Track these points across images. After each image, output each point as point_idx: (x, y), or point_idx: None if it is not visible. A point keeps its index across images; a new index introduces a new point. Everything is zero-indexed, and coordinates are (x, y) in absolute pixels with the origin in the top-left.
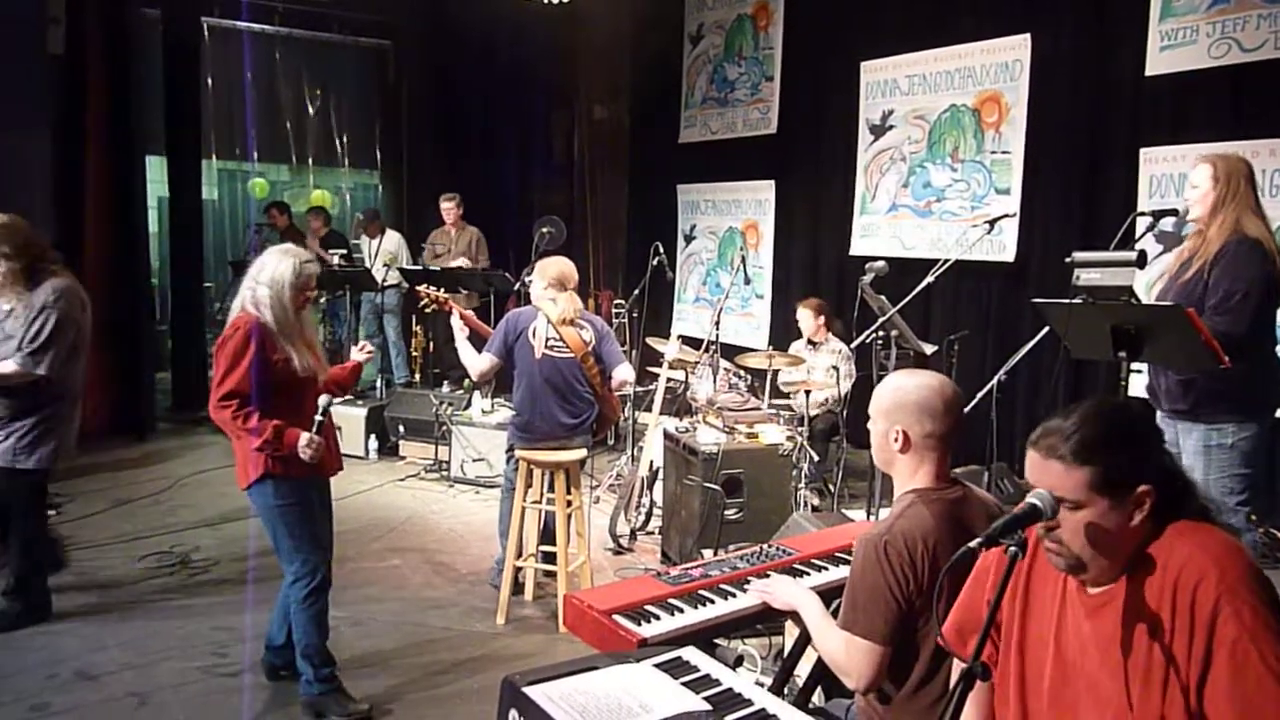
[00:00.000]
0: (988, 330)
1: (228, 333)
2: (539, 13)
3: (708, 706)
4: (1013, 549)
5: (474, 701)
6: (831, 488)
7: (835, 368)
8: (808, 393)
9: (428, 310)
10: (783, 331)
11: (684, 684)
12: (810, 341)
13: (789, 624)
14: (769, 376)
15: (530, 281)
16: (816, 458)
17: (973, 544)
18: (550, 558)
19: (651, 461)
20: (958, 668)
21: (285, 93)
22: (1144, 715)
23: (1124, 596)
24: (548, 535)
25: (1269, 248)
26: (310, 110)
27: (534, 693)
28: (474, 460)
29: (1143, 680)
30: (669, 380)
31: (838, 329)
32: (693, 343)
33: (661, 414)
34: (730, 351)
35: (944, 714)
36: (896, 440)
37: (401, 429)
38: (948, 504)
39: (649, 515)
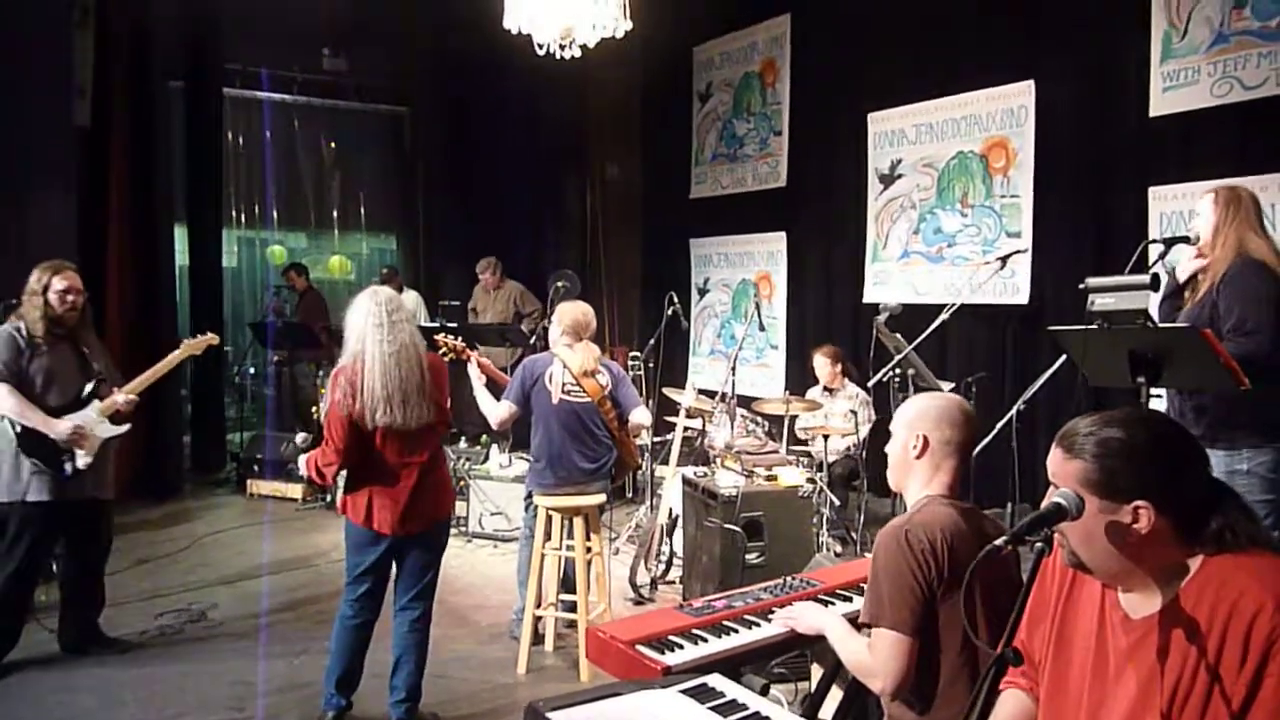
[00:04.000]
0: (1005, 373)
1: (446, 371)
2: (552, 78)
3: None
4: (1039, 544)
5: None
6: (854, 535)
7: (854, 411)
8: (826, 437)
9: (447, 359)
10: (799, 381)
11: (710, 709)
12: (827, 388)
13: (814, 667)
14: (786, 422)
15: (549, 326)
16: (837, 502)
17: (998, 541)
18: (571, 606)
19: (670, 509)
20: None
21: (304, 160)
22: None
23: (1170, 620)
24: (568, 584)
25: (1273, 266)
26: (328, 177)
27: (558, 717)
28: (492, 514)
29: (1183, 703)
30: (686, 429)
31: (854, 375)
32: (709, 395)
33: (679, 465)
34: (746, 403)
35: (975, 699)
36: (916, 445)
37: None
38: (961, 509)
39: (669, 564)
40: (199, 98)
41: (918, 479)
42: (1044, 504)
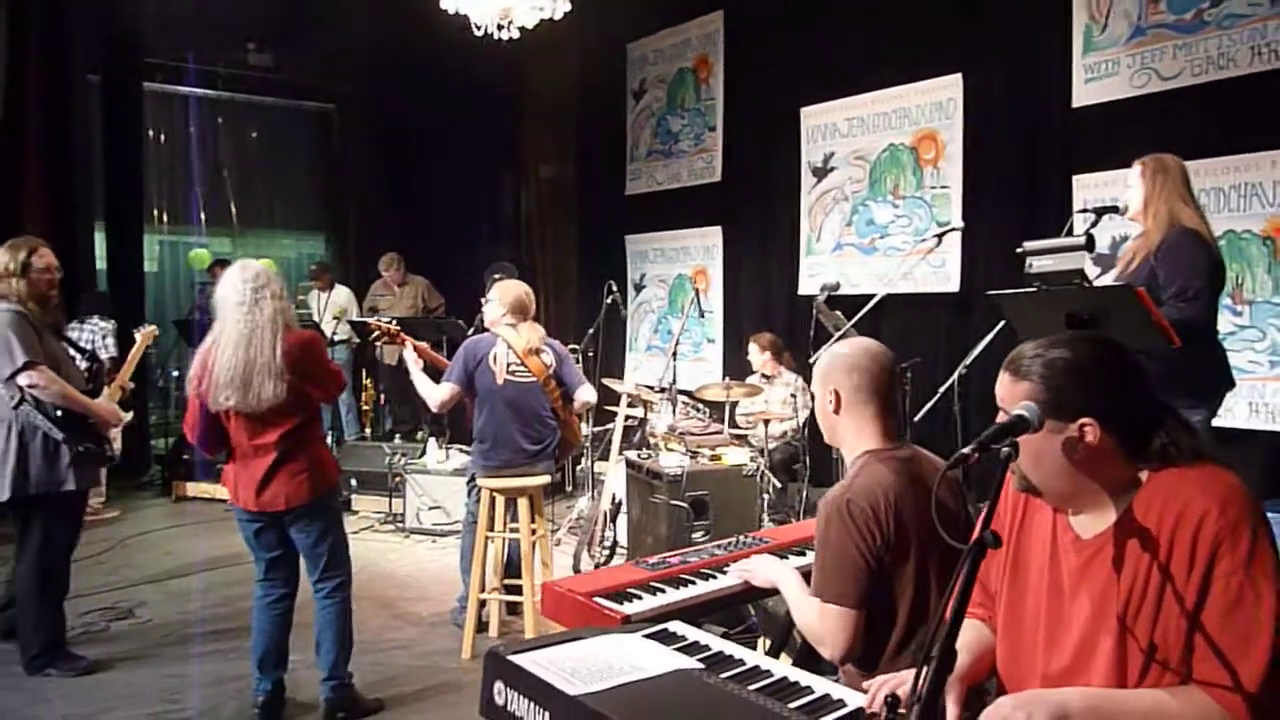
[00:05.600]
0: (938, 359)
1: (320, 347)
2: (485, 76)
3: (700, 665)
4: (1005, 450)
5: None
6: (796, 520)
7: (793, 396)
8: (766, 422)
9: (379, 342)
10: (736, 374)
11: (675, 650)
12: (765, 375)
13: (761, 639)
14: (727, 408)
15: (488, 302)
16: (779, 485)
17: (966, 450)
18: (513, 590)
19: (614, 495)
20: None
21: (228, 158)
22: (1138, 641)
23: (1123, 533)
24: (511, 568)
25: (1205, 235)
26: (253, 175)
27: (520, 659)
28: (430, 508)
29: (1137, 608)
30: (627, 419)
31: (790, 363)
32: (648, 389)
33: (621, 453)
34: (685, 394)
35: (953, 585)
36: (831, 401)
37: (354, 482)
38: (900, 461)
39: (612, 551)
40: (118, 93)
41: (848, 433)
42: (1002, 418)
